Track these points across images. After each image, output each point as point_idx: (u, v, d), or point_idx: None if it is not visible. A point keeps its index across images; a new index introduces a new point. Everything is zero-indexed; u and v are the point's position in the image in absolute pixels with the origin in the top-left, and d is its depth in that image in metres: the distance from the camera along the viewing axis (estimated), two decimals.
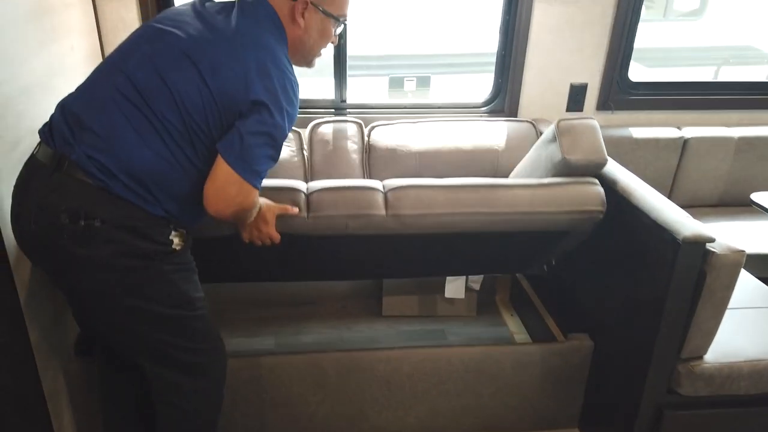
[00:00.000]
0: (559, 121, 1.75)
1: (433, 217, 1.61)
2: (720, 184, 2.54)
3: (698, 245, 1.46)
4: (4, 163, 1.43)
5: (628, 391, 1.70)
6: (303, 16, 1.34)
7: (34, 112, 1.60)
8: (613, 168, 1.87)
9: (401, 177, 2.13)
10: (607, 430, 1.86)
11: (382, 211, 1.58)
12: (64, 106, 1.33)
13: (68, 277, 1.31)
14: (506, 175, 2.22)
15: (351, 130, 2.19)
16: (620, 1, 2.30)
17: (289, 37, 1.36)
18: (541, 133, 2.27)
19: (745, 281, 1.95)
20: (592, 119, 1.77)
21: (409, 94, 5.81)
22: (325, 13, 1.37)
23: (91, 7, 2.05)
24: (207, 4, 1.38)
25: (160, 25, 1.33)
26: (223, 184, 1.26)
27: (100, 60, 2.10)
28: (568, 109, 2.46)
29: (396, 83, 5.87)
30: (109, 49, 2.13)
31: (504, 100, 2.42)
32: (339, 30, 1.44)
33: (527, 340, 2.24)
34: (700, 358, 1.59)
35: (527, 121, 2.28)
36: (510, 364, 1.89)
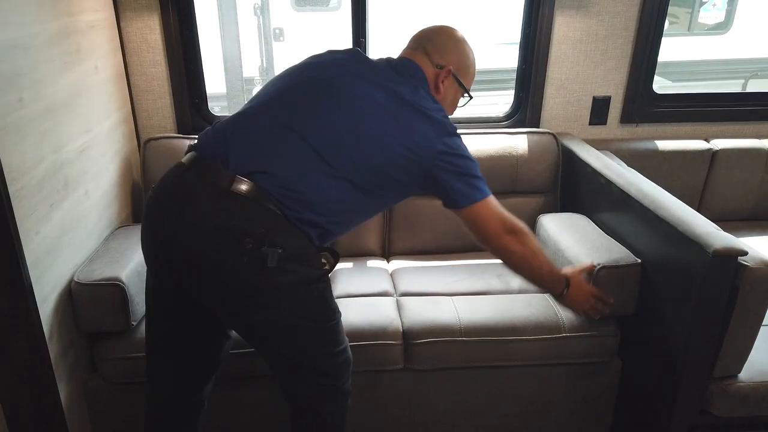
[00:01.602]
0: (599, 269, 1.69)
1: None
2: (751, 197, 2.46)
3: (730, 258, 1.40)
4: (27, 181, 1.45)
5: (658, 412, 1.64)
6: (443, 83, 1.46)
7: (58, 132, 1.63)
8: (637, 180, 1.83)
9: None
10: None
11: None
12: (236, 131, 1.34)
13: (239, 305, 1.31)
14: (525, 186, 2.19)
15: None
16: (643, 13, 2.26)
17: None
18: (562, 146, 2.23)
19: None
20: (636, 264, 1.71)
21: None
22: (459, 84, 1.50)
23: (116, 28, 2.09)
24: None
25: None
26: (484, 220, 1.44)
27: (124, 80, 2.14)
28: (591, 123, 2.42)
29: None
30: (134, 69, 2.18)
31: (525, 113, 2.39)
32: (464, 104, 1.57)
33: None
34: (734, 377, 1.53)
35: (548, 133, 2.24)
36: (535, 383, 1.84)
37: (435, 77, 1.46)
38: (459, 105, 1.57)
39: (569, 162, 2.21)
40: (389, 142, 1.33)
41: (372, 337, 1.73)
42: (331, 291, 1.42)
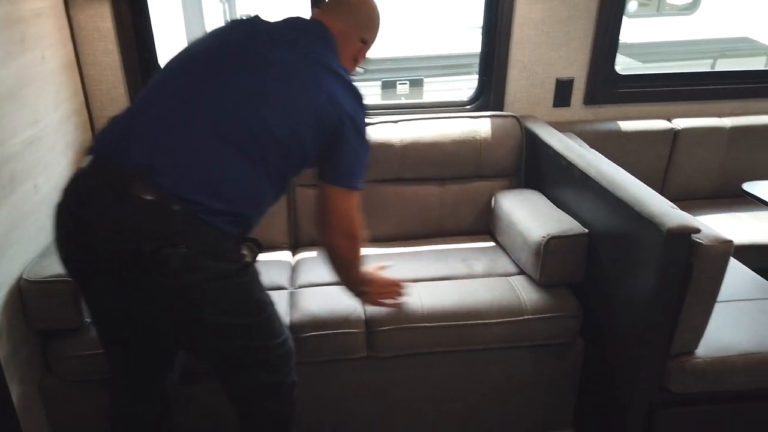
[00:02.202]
0: (549, 239, 1.74)
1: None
2: (713, 175, 2.48)
3: (683, 237, 1.41)
4: None
5: (619, 391, 1.65)
6: (361, 58, 1.49)
7: (1, 124, 1.57)
8: (597, 161, 1.83)
9: (382, 176, 2.15)
10: (601, 431, 1.80)
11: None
12: (132, 123, 1.27)
13: (151, 306, 1.26)
14: (489, 169, 2.19)
15: None
16: None
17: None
18: (526, 128, 2.23)
19: (739, 273, 1.90)
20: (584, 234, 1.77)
21: (402, 98, 5.77)
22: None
23: (65, 16, 2.02)
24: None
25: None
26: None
27: (75, 69, 2.07)
28: (555, 105, 2.41)
29: (389, 87, 5.84)
30: (86, 59, 2.12)
31: (489, 97, 2.38)
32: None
33: None
34: (691, 353, 1.54)
35: (511, 116, 2.23)
36: (500, 366, 1.84)
37: (357, 51, 1.45)
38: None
39: (533, 145, 2.20)
40: (298, 104, 1.28)
41: (334, 326, 1.71)
42: (259, 283, 1.36)
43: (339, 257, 1.50)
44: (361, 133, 1.38)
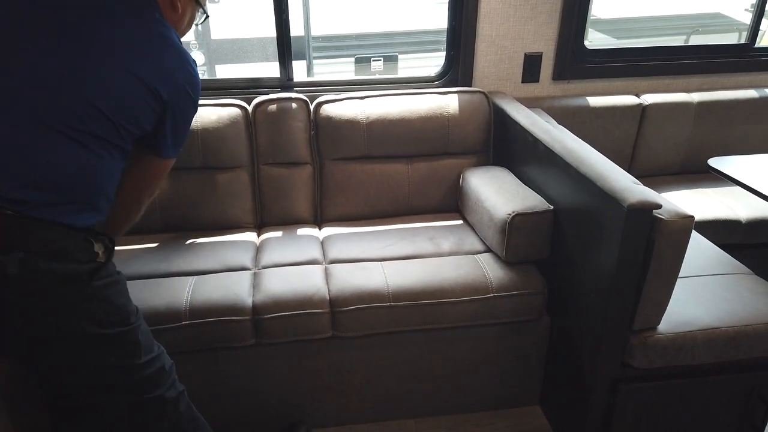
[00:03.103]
0: (514, 216, 1.74)
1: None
2: (681, 151, 2.49)
3: (644, 212, 1.40)
4: None
5: (583, 367, 1.66)
6: (180, 2, 1.30)
7: None
8: (563, 137, 1.81)
9: (349, 154, 2.11)
10: (566, 407, 1.81)
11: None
12: None
13: (3, 323, 1.12)
14: (457, 146, 2.16)
15: (296, 107, 2.10)
16: None
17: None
18: (494, 104, 2.20)
19: (703, 248, 1.91)
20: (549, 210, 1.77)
21: (377, 74, 5.71)
22: (196, 1, 1.36)
23: None
24: None
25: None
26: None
27: None
28: (524, 80, 2.39)
29: (363, 63, 5.76)
30: None
31: (457, 72, 2.34)
32: (201, 21, 1.41)
33: None
34: (653, 329, 1.54)
35: (479, 92, 2.20)
36: (466, 344, 1.84)
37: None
38: (196, 22, 1.39)
39: (501, 121, 2.18)
40: (120, 74, 1.14)
41: (298, 306, 1.68)
42: (120, 288, 1.22)
43: (137, 216, 1.43)
44: (193, 102, 1.29)
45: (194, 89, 1.28)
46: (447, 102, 2.16)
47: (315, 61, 5.84)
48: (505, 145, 2.17)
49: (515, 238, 1.77)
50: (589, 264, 1.60)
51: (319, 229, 2.12)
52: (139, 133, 1.22)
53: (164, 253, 1.90)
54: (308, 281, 1.75)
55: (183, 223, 2.06)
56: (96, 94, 1.12)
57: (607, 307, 1.51)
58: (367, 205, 2.17)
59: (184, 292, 1.69)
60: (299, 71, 5.76)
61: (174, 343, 1.64)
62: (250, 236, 2.05)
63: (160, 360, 1.30)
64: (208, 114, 2.03)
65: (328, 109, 2.11)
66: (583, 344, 1.67)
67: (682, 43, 6.07)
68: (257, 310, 1.67)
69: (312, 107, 2.13)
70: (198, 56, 5.50)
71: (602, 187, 1.48)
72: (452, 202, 2.20)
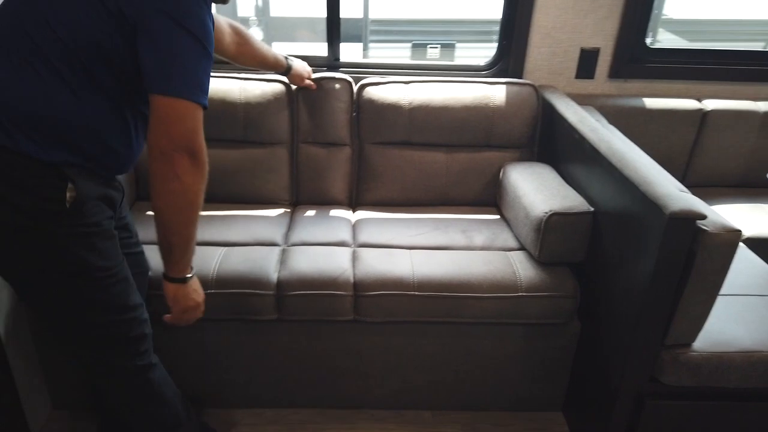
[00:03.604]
0: (551, 215, 1.67)
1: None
2: (741, 162, 2.35)
3: (687, 221, 1.32)
4: None
5: (610, 377, 1.59)
6: None
7: None
8: (610, 137, 1.73)
9: (389, 139, 2.08)
10: (589, 417, 1.75)
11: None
12: None
13: None
14: (500, 139, 2.10)
15: (339, 87, 2.08)
16: None
17: None
18: (543, 99, 2.12)
19: (754, 266, 1.79)
20: (588, 212, 1.69)
21: (436, 55, 5.63)
22: None
23: None
24: None
25: None
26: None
27: None
28: (578, 76, 2.29)
29: (419, 49, 5.70)
30: None
31: (508, 63, 2.27)
32: None
33: None
34: (687, 345, 1.46)
35: (529, 84, 2.13)
36: (490, 341, 1.80)
37: None
38: None
39: (549, 116, 2.10)
40: None
41: (321, 286, 1.68)
42: (91, 245, 1.18)
43: (176, 184, 1.14)
44: (180, 24, 1.08)
45: (177, 10, 1.07)
46: (494, 93, 2.10)
47: (371, 45, 5.82)
48: (551, 142, 2.09)
49: (550, 238, 1.71)
50: (625, 271, 1.53)
51: (353, 212, 2.11)
52: (109, 64, 1.12)
53: (199, 222, 1.92)
54: (334, 262, 1.74)
55: (220, 194, 2.08)
56: (48, 16, 1.06)
57: (640, 317, 1.44)
58: (403, 192, 2.14)
59: (212, 261, 1.71)
60: (355, 53, 5.76)
61: None
62: (284, 213, 2.05)
63: (126, 328, 1.29)
64: (253, 88, 2.04)
65: (371, 92, 2.09)
66: (612, 354, 1.60)
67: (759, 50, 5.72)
68: (281, 286, 1.68)
69: (356, 89, 2.11)
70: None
71: (645, 191, 1.41)
72: (490, 196, 2.15)
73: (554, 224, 1.69)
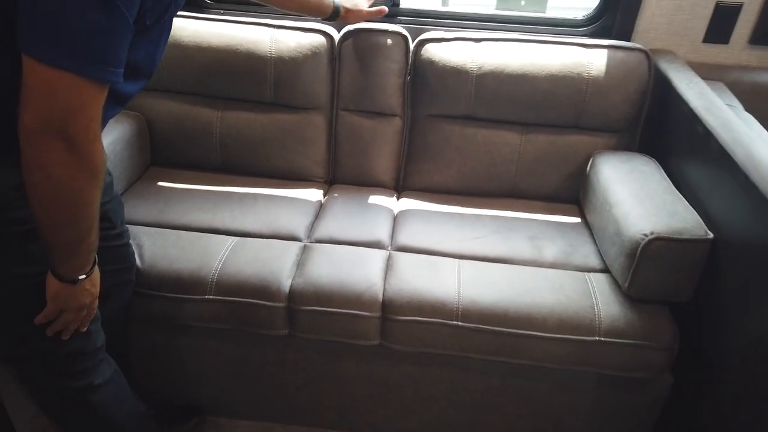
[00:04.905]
0: (652, 240, 1.23)
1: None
2: None
3: None
4: None
5: None
6: None
7: None
8: (750, 137, 1.24)
9: (449, 111, 1.67)
10: None
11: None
12: None
13: None
14: (593, 120, 1.63)
15: (391, 43, 1.66)
16: None
17: None
18: (656, 70, 1.62)
19: None
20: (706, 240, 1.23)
21: (523, 2, 4.96)
22: None
23: None
24: None
25: None
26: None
27: None
28: (707, 40, 1.75)
29: None
30: None
31: (614, 19, 1.75)
32: None
33: None
34: None
35: (639, 49, 1.62)
36: (552, 387, 1.42)
37: None
38: None
39: (662, 94, 1.61)
40: None
41: (342, 303, 1.35)
42: (13, 245, 0.97)
43: (42, 172, 0.85)
44: None
45: None
46: (590, 59, 1.62)
47: None
48: (661, 129, 1.61)
49: (648, 269, 1.27)
50: (751, 323, 1.10)
51: (397, 199, 1.73)
52: (5, 16, 0.83)
53: (212, 201, 1.63)
54: (362, 271, 1.39)
55: (242, 166, 1.77)
56: None
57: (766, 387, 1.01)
58: (460, 179, 1.73)
59: (216, 257, 1.41)
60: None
61: (193, 315, 1.39)
62: (315, 194, 1.71)
63: (56, 341, 1.06)
64: (286, 39, 1.66)
65: (431, 51, 1.66)
66: (716, 425, 1.19)
67: None
68: (294, 297, 1.36)
69: (413, 46, 1.69)
70: None
71: None
72: (572, 192, 1.70)
73: (656, 252, 1.25)
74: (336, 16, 1.59)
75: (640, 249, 1.26)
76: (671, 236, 1.24)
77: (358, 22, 1.64)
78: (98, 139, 0.89)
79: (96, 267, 1.04)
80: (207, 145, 1.75)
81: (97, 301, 1.08)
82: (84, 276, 1.01)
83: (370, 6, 1.63)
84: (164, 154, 1.79)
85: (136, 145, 1.70)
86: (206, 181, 1.72)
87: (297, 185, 1.74)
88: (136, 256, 1.40)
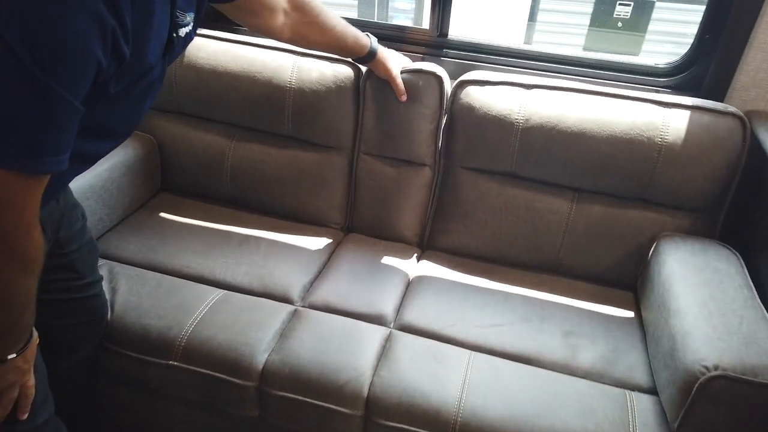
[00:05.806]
0: (714, 377, 0.97)
1: None
2: None
3: None
4: None
5: None
6: None
7: None
8: None
9: (488, 166, 1.42)
10: None
11: None
12: None
13: None
14: (663, 195, 1.33)
15: (422, 83, 1.43)
16: None
17: None
18: (753, 138, 1.29)
19: None
20: None
21: (619, 23, 4.56)
22: None
23: None
24: None
25: None
26: None
27: None
28: None
29: (603, 7, 4.66)
30: None
31: (706, 69, 1.43)
32: None
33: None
34: None
35: (733, 114, 1.30)
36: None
37: None
38: None
39: (758, 170, 1.28)
40: None
41: (319, 393, 1.13)
42: None
43: None
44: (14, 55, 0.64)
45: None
46: (668, 120, 1.31)
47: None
48: (752, 216, 1.28)
49: (706, 412, 0.98)
50: None
51: (418, 259, 1.50)
52: None
53: (210, 242, 1.47)
54: (351, 355, 1.17)
55: (254, 201, 1.60)
56: None
57: None
58: (494, 245, 1.47)
59: (192, 315, 1.24)
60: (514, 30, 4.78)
61: (157, 379, 1.23)
62: (325, 244, 1.51)
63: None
64: (308, 68, 1.47)
65: (472, 94, 1.41)
66: None
67: None
68: (266, 377, 1.16)
69: (451, 87, 1.44)
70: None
71: None
72: (628, 277, 1.40)
73: (718, 393, 0.95)
74: (371, 59, 1.39)
75: (697, 386, 0.96)
76: (742, 376, 0.94)
77: (383, 77, 1.42)
78: (33, 228, 0.78)
79: (32, 341, 0.91)
80: (218, 175, 1.60)
81: (33, 379, 0.94)
82: (14, 355, 0.88)
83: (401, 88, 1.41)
84: (175, 180, 1.66)
85: (140, 170, 1.57)
86: (212, 216, 1.56)
87: (310, 230, 1.55)
88: (109, 302, 1.26)
